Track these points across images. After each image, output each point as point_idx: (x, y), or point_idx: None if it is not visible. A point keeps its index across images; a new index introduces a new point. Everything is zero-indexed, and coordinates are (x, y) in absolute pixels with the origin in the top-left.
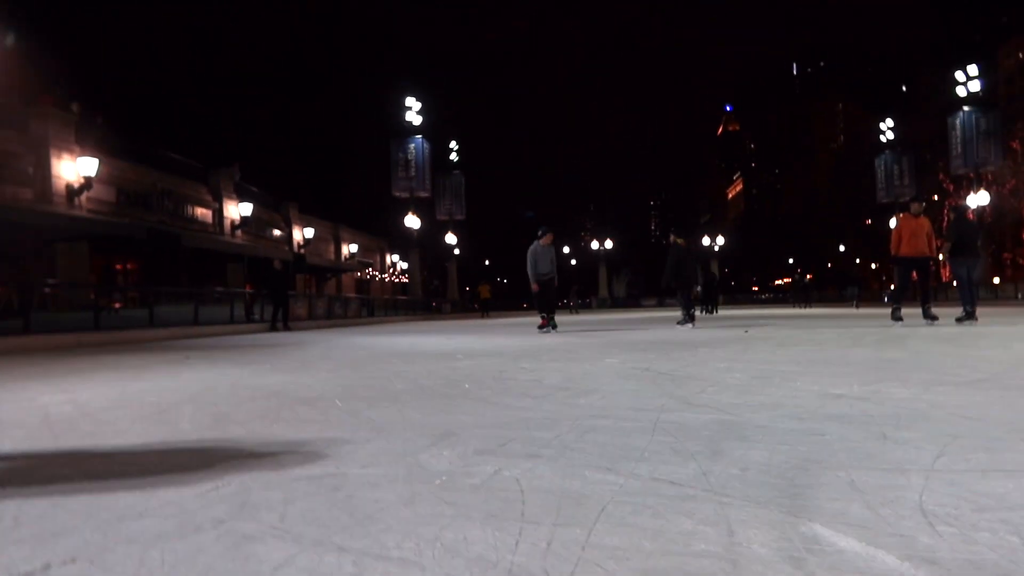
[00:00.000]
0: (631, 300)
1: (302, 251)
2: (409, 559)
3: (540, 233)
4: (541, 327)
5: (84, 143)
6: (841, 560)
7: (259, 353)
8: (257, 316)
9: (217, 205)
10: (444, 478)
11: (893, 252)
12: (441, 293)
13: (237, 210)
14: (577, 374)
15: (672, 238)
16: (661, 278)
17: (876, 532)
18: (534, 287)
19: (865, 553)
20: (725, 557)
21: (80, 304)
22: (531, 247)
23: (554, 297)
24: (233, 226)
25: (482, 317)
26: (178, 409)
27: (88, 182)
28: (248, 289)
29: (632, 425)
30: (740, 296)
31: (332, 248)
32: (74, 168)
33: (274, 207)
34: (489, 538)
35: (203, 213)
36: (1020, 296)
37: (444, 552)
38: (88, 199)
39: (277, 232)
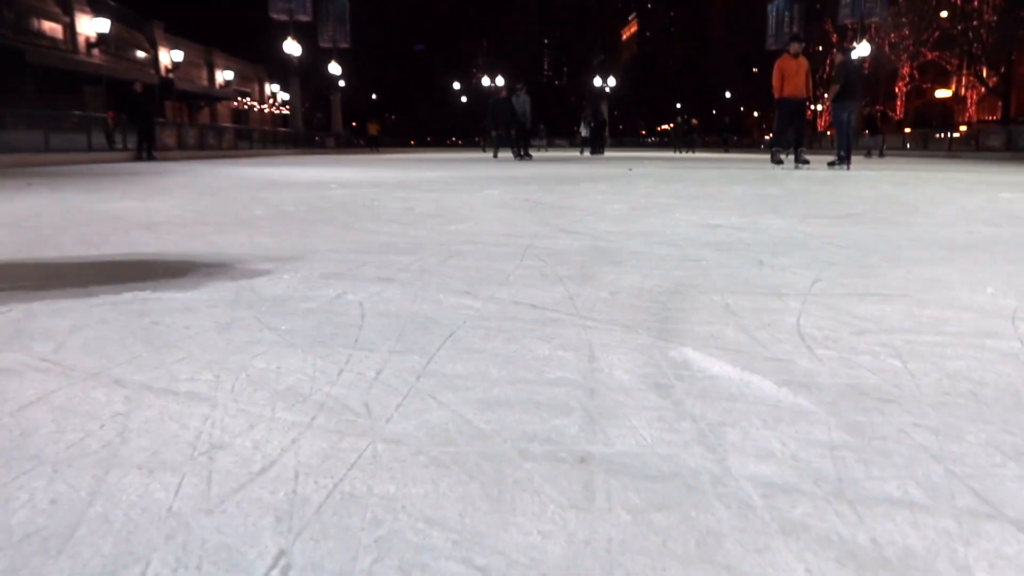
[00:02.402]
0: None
1: (170, 76)
2: (199, 393)
3: (517, 86)
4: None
5: None
6: (713, 386)
7: (114, 180)
8: (120, 144)
9: (68, 19)
10: (275, 303)
11: (776, 94)
12: (325, 127)
13: (92, 26)
14: (453, 204)
15: (501, 90)
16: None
17: (752, 356)
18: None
19: (739, 379)
20: (582, 385)
21: None
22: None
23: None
24: (89, 44)
25: (370, 152)
26: None
27: None
28: (109, 115)
29: (501, 251)
30: (627, 139)
31: (205, 74)
32: None
33: (137, 26)
34: (308, 368)
35: (52, 28)
36: (886, 146)
37: (247, 384)
38: None
39: (141, 54)
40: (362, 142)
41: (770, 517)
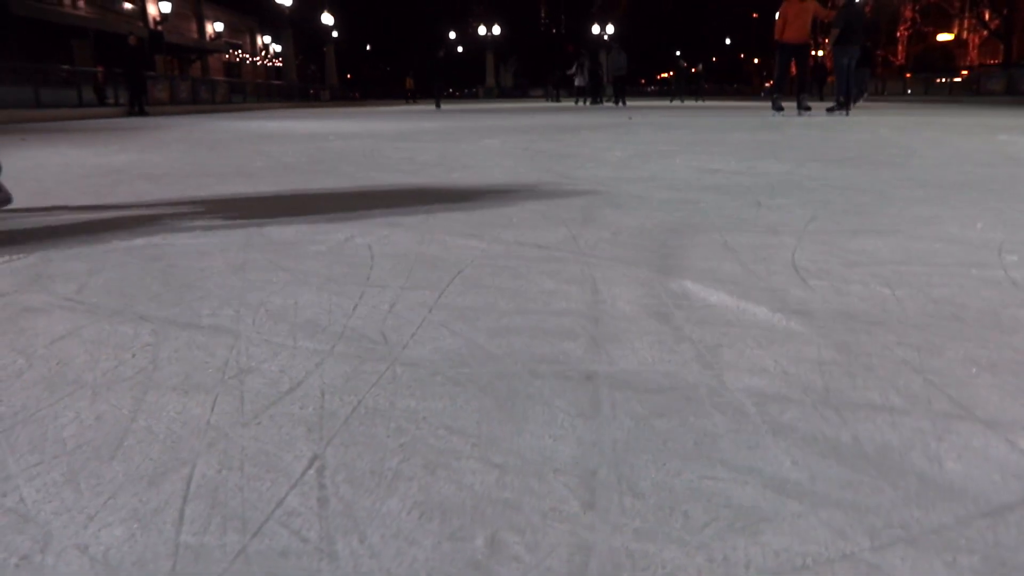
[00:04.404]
0: (518, 90)
1: (159, 28)
2: (222, 326)
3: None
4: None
5: None
6: (711, 314)
7: (108, 135)
8: (111, 99)
9: None
10: (285, 246)
11: (777, 37)
12: (319, 79)
13: None
14: (454, 153)
15: (440, 51)
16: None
17: (748, 287)
18: (609, 80)
19: (736, 307)
20: (587, 315)
21: None
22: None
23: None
24: None
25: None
26: None
27: None
28: (99, 69)
29: (504, 196)
30: (628, 88)
31: (195, 27)
32: None
33: None
34: (324, 303)
35: None
36: (886, 92)
37: (267, 318)
38: None
39: (128, 5)
40: (357, 95)
41: (761, 421)
